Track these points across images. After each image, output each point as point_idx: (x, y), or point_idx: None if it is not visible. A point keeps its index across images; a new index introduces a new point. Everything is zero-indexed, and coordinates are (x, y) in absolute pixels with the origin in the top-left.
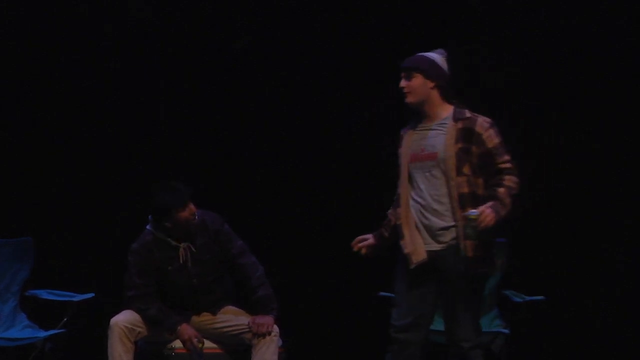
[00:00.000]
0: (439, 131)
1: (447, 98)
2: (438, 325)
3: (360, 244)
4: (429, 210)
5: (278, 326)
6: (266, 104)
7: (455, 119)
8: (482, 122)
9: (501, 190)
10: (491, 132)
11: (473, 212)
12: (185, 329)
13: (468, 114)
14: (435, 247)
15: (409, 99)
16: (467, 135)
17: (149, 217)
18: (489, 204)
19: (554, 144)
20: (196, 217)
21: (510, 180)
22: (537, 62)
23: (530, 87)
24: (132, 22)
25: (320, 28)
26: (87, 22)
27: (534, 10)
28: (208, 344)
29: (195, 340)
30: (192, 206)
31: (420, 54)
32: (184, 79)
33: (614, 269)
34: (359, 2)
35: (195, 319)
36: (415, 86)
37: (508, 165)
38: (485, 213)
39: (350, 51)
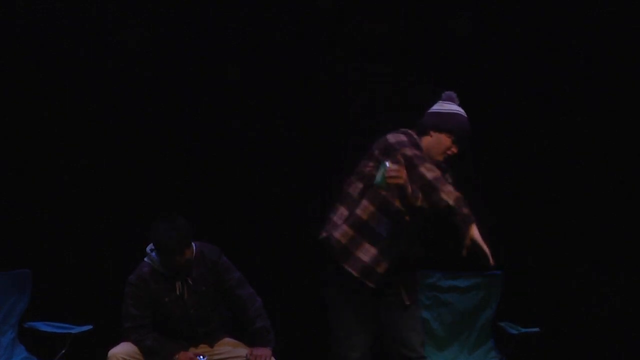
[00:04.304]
0: None
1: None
2: (436, 356)
3: None
4: None
5: (275, 357)
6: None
7: None
8: None
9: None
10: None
11: (392, 164)
12: (184, 355)
13: None
14: None
15: None
16: None
17: (147, 248)
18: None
19: (546, 145)
20: (192, 259)
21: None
22: (537, 62)
23: (530, 87)
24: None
25: (312, 38)
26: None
27: (534, 10)
28: None
29: (197, 357)
30: (188, 251)
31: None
32: (179, 83)
33: (609, 301)
34: (356, 7)
35: (192, 350)
36: None
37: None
38: (400, 170)
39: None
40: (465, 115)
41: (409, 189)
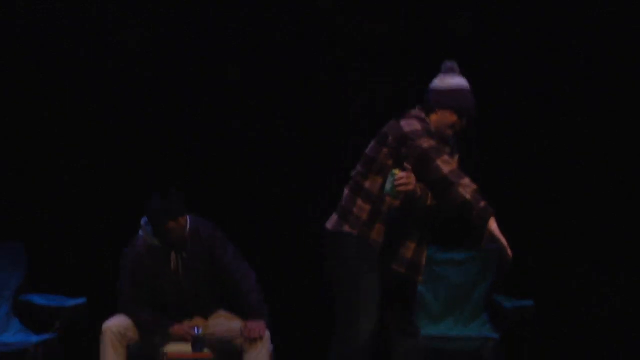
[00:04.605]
0: None
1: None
2: (430, 329)
3: None
4: None
5: (269, 331)
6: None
7: None
8: None
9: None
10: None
11: (400, 172)
12: (178, 327)
13: None
14: None
15: None
16: None
17: (141, 221)
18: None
19: (546, 145)
20: (186, 230)
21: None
22: (537, 62)
23: (530, 86)
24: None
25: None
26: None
27: (534, 10)
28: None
29: (191, 330)
30: (182, 220)
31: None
32: (179, 83)
33: (609, 301)
34: (356, 7)
35: (186, 323)
36: None
37: None
38: (409, 176)
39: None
40: (467, 87)
41: (418, 193)
